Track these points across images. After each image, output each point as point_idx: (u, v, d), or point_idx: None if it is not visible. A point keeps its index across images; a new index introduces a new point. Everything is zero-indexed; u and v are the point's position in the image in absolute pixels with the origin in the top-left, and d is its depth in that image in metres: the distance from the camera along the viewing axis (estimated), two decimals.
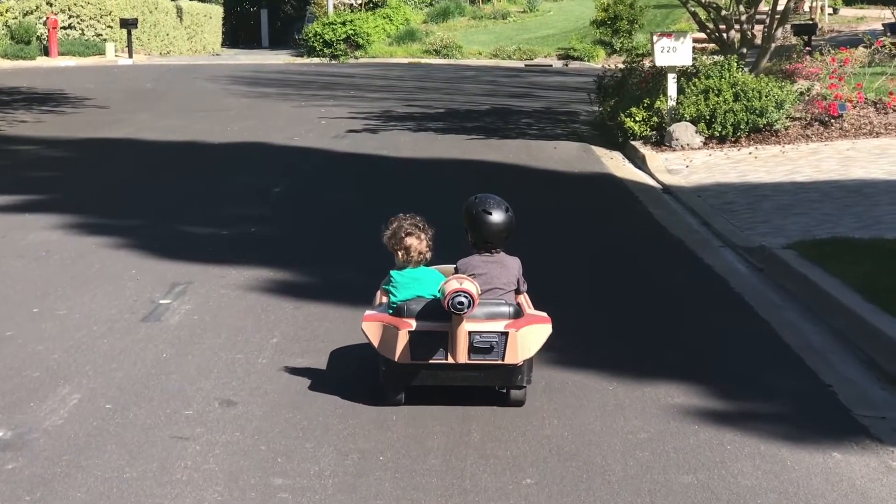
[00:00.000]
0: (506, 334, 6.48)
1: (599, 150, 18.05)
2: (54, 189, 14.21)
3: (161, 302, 8.90)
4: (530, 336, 6.55)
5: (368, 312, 6.75)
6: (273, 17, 53.35)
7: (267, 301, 8.97)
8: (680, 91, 17.74)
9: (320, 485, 5.60)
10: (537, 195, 13.74)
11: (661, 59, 17.79)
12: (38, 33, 38.27)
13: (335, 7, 44.41)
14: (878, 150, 16.17)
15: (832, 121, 17.60)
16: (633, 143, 17.74)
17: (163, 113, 22.87)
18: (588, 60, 38.71)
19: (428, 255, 6.84)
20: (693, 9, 20.92)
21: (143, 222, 12.06)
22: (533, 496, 5.51)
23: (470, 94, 27.33)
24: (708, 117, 17.32)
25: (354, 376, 7.12)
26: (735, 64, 17.87)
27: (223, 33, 49.80)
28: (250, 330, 8.19)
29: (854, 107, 18.10)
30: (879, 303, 8.26)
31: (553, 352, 7.32)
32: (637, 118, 17.98)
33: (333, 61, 40.25)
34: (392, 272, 6.82)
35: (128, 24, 38.95)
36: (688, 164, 16.13)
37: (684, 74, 18.19)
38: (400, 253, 6.82)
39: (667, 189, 14.66)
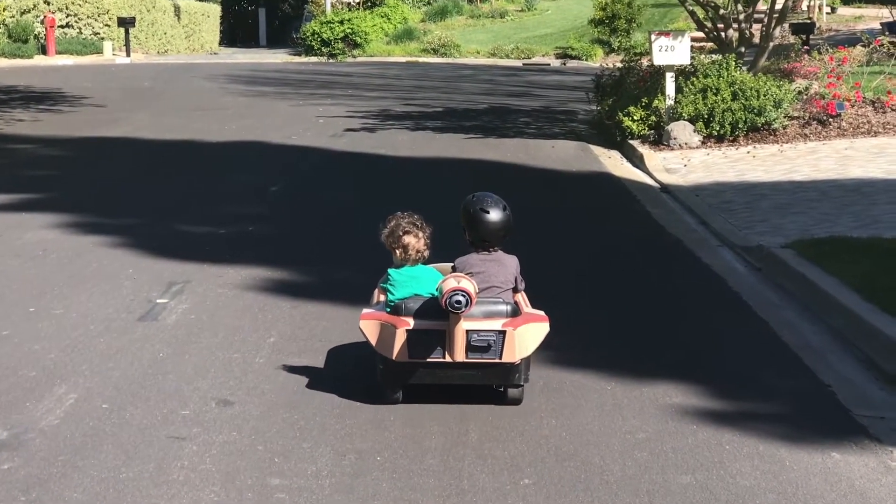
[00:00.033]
0: (503, 333, 6.48)
1: (597, 149, 18.03)
2: (51, 188, 14.19)
3: (158, 301, 8.89)
4: (528, 335, 6.55)
5: (366, 311, 6.74)
6: (271, 16, 53.30)
7: (264, 300, 8.96)
8: (678, 90, 17.73)
9: (317, 485, 5.59)
10: (535, 194, 13.72)
11: (660, 58, 17.78)
12: (36, 32, 38.21)
13: (333, 6, 44.37)
14: (877, 150, 16.16)
15: (830, 120, 17.58)
16: (631, 142, 17.72)
17: (160, 112, 22.84)
18: (586, 59, 38.68)
19: (426, 254, 6.84)
20: (691, 8, 20.90)
21: (140, 221, 12.04)
22: (531, 496, 5.49)
23: (468, 93, 27.31)
24: (706, 116, 17.31)
25: (352, 376, 7.10)
26: (733, 63, 17.85)
27: (221, 32, 49.75)
28: (247, 329, 8.17)
29: (852, 106, 18.09)
30: (878, 302, 8.25)
31: (551, 351, 7.31)
32: (635, 117, 17.97)
33: (331, 60, 40.22)
34: (390, 270, 6.82)
35: (125, 23, 38.89)
36: (686, 163, 16.12)
37: (682, 73, 18.17)
38: (398, 251, 6.81)
39: (665, 188, 14.65)
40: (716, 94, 17.33)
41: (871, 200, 12.77)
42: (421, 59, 39.48)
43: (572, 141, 18.92)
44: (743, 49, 19.68)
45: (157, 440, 6.10)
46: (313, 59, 40.52)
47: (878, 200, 12.74)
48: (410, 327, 6.48)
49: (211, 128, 20.18)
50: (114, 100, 24.83)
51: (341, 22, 41.28)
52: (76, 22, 39.90)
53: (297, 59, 40.85)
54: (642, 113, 17.99)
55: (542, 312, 6.77)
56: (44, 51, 37.95)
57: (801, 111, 17.88)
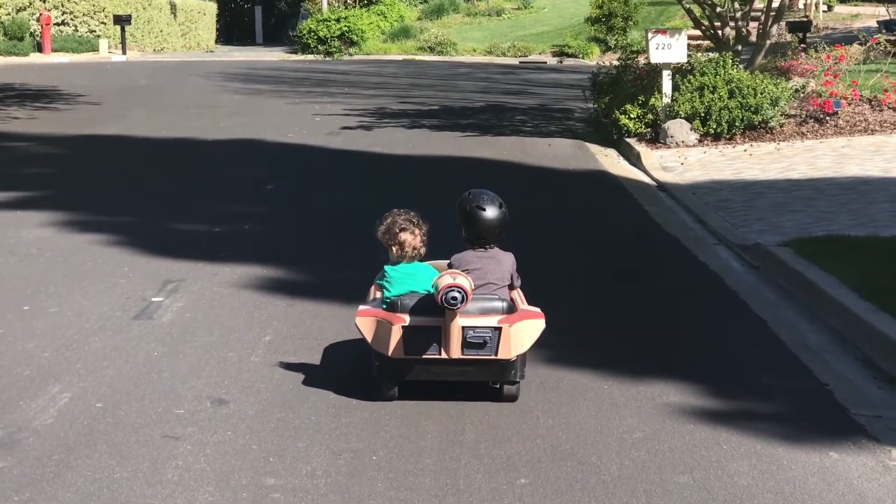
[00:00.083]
0: (499, 329, 6.47)
1: (594, 148, 18.01)
2: (46, 186, 14.15)
3: (153, 300, 8.85)
4: (523, 331, 6.55)
5: (362, 307, 6.74)
6: (267, 14, 53.23)
7: (260, 299, 8.92)
8: (675, 88, 17.71)
9: (312, 485, 5.56)
10: (531, 192, 13.69)
11: (656, 56, 17.75)
12: (32, 29, 38.15)
13: (329, 4, 44.32)
14: (874, 148, 16.15)
15: (827, 118, 17.56)
16: (627, 140, 17.70)
17: (156, 109, 22.80)
18: (582, 57, 38.66)
19: (422, 251, 6.85)
20: (688, 5, 20.87)
21: (135, 219, 12.00)
22: (527, 496, 5.46)
23: (464, 91, 27.28)
24: (703, 114, 17.29)
25: (347, 375, 7.07)
26: (730, 61, 17.83)
27: (217, 30, 49.69)
28: (243, 328, 8.14)
29: (849, 104, 18.07)
30: (876, 301, 8.23)
31: (547, 350, 7.29)
32: (632, 115, 17.94)
33: (328, 58, 40.18)
34: (386, 267, 6.81)
35: (121, 21, 38.84)
36: (683, 161, 16.09)
37: (679, 71, 18.15)
38: (394, 248, 6.81)
39: (661, 186, 14.62)
40: (713, 92, 17.31)
41: (868, 199, 12.75)
42: (417, 57, 39.44)
43: (569, 139, 18.89)
44: (740, 47, 19.66)
45: (152, 439, 6.06)
46: (310, 57, 40.49)
47: (875, 199, 12.72)
48: (406, 324, 6.48)
49: (207, 125, 20.14)
50: (110, 98, 24.78)
51: (338, 20, 41.24)
52: (72, 19, 39.85)
53: (293, 57, 40.81)
54: (639, 111, 17.96)
55: (537, 309, 6.76)
56: (40, 48, 37.90)
57: (797, 109, 17.86)
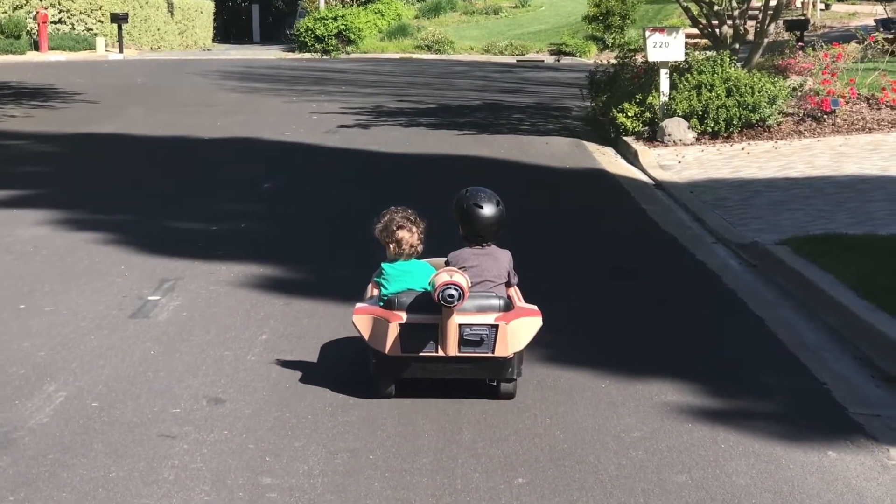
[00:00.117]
0: (496, 327, 6.47)
1: (591, 146, 17.99)
2: (43, 184, 14.13)
3: (150, 298, 8.83)
4: (520, 329, 6.55)
5: (359, 305, 6.74)
6: (264, 13, 53.19)
7: (256, 297, 8.90)
8: (672, 86, 17.69)
9: (309, 484, 5.53)
10: (529, 191, 13.67)
11: (654, 55, 17.73)
12: (28, 28, 38.10)
13: (327, 2, 44.29)
14: (871, 146, 16.13)
15: (825, 116, 17.55)
16: (625, 138, 17.67)
17: (153, 108, 22.77)
18: (580, 56, 38.65)
19: (419, 248, 6.84)
20: (685, 4, 20.85)
21: (132, 218, 11.98)
22: (525, 496, 5.44)
23: (461, 90, 27.26)
24: (700, 113, 17.27)
25: (344, 373, 7.05)
26: (727, 59, 17.81)
27: (214, 28, 49.65)
28: (239, 326, 8.11)
29: (847, 102, 18.06)
30: (874, 300, 8.21)
31: (544, 349, 7.27)
32: (629, 114, 17.92)
33: (325, 56, 40.15)
34: (383, 265, 6.81)
35: (118, 19, 38.79)
36: (680, 159, 16.07)
37: (677, 70, 18.13)
38: (391, 245, 6.80)
39: (659, 185, 14.60)
40: (710, 91, 17.29)
41: (866, 197, 12.73)
42: (415, 56, 39.42)
43: (566, 137, 18.87)
44: (737, 45, 19.64)
45: (148, 439, 6.04)
46: (307, 55, 40.46)
47: (873, 197, 12.70)
48: (403, 321, 6.48)
49: (204, 124, 20.11)
50: (106, 96, 24.74)
51: (335, 18, 41.22)
52: (69, 18, 39.81)
53: (290, 55, 40.78)
54: (636, 109, 17.94)
55: (534, 307, 6.77)
56: (36, 47, 37.83)
57: (795, 108, 17.85)
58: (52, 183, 14.23)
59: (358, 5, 43.99)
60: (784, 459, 5.89)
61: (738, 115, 17.12)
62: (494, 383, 6.67)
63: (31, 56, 36.82)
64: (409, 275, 6.71)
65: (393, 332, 6.47)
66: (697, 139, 17.23)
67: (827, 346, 7.88)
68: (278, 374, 7.09)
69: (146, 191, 13.68)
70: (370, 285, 7.01)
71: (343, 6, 43.80)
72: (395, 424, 6.29)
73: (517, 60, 38.21)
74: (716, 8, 19.98)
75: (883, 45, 21.55)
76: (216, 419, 6.33)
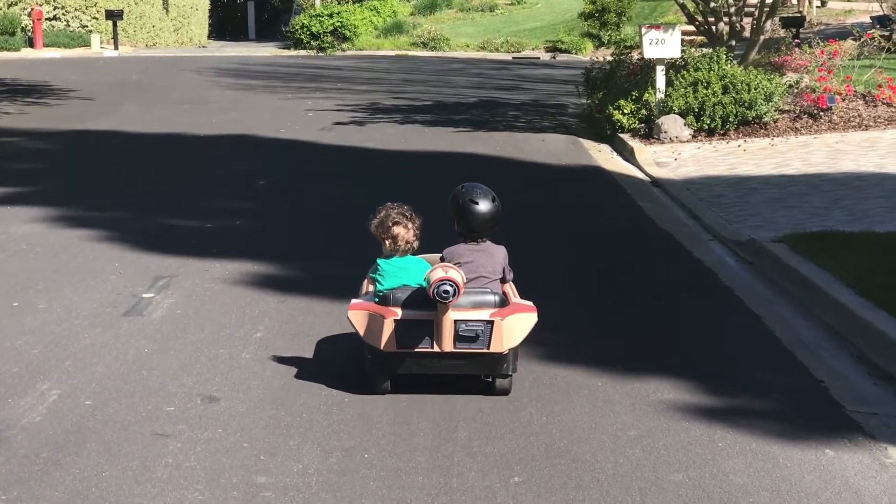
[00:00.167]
0: (491, 323, 6.46)
1: (587, 143, 17.96)
2: (37, 181, 14.08)
3: (144, 296, 8.79)
4: (516, 325, 6.54)
5: (354, 301, 6.74)
6: (260, 9, 53.10)
7: (251, 295, 8.86)
8: (668, 83, 17.65)
9: (304, 483, 5.50)
10: (525, 188, 13.64)
11: (650, 52, 17.69)
12: (23, 24, 38.03)
13: None
14: (868, 143, 16.11)
15: (821, 113, 17.52)
16: (621, 135, 17.64)
17: (148, 105, 22.73)
18: (576, 53, 38.61)
19: (415, 245, 6.83)
20: (681, 1, 20.81)
21: (126, 215, 11.93)
22: (521, 494, 5.41)
23: (457, 87, 27.23)
24: (697, 110, 17.23)
25: (339, 371, 7.02)
26: (724, 56, 17.78)
27: (210, 25, 49.56)
28: (234, 324, 8.08)
29: (843, 99, 18.03)
30: (871, 297, 8.19)
31: (540, 347, 7.24)
32: (625, 111, 17.88)
33: (320, 54, 40.10)
34: (379, 261, 6.80)
35: (113, 16, 38.72)
36: (676, 156, 16.04)
37: (673, 67, 18.10)
38: (387, 242, 6.79)
39: (655, 182, 14.57)
40: (706, 88, 17.26)
41: (862, 194, 12.71)
42: (410, 53, 39.37)
43: (562, 134, 18.84)
44: (733, 42, 19.61)
45: (141, 437, 6.00)
46: (302, 52, 40.39)
47: (869, 194, 12.68)
48: (398, 317, 6.47)
49: (199, 121, 20.07)
50: (101, 93, 24.70)
51: (330, 15, 41.16)
52: (64, 14, 39.74)
53: (286, 52, 40.72)
54: (633, 106, 17.91)
55: (530, 303, 6.77)
56: (31, 43, 37.77)
57: (791, 105, 17.82)
58: (46, 180, 14.19)
59: (353, 2, 43.94)
60: (781, 458, 5.86)
61: (734, 112, 17.10)
62: (490, 379, 6.66)
63: (26, 53, 36.76)
64: (404, 271, 6.71)
65: (388, 328, 6.45)
66: (694, 136, 17.20)
67: (824, 343, 7.86)
68: (273, 371, 7.06)
69: (141, 188, 13.64)
70: (366, 281, 7.01)
71: (339, 3, 43.75)
72: (390, 423, 6.26)
73: (513, 57, 38.18)
74: (712, 5, 19.94)
75: (879, 42, 21.54)
76: (210, 417, 6.30)
